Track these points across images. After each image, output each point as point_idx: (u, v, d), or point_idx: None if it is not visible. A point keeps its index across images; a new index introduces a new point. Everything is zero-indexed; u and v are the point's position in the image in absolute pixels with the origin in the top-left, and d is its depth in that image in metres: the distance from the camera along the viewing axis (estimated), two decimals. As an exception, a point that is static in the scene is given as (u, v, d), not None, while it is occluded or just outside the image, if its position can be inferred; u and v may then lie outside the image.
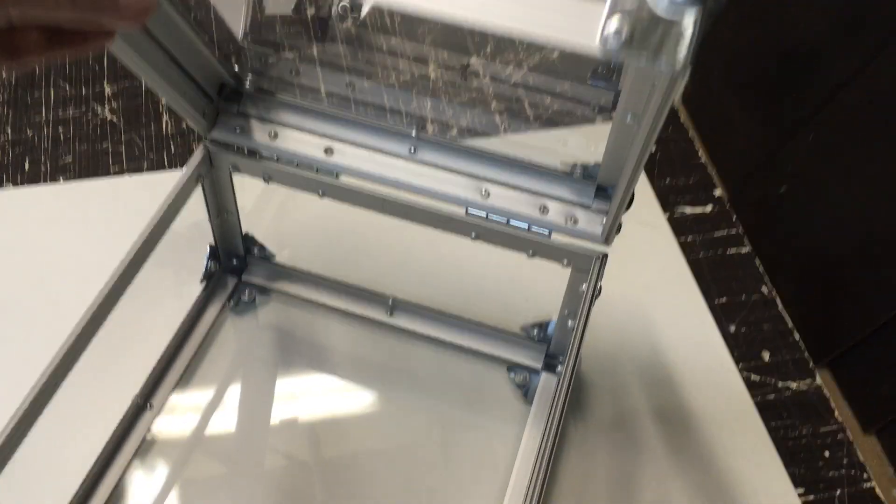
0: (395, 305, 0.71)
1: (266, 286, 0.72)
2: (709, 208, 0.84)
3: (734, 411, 0.70)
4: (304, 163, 0.62)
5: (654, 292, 0.76)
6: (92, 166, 0.82)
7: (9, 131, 0.84)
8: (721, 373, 0.72)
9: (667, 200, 0.84)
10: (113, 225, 0.76)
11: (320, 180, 0.62)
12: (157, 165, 0.82)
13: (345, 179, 0.62)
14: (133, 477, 0.62)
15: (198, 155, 0.62)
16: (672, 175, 0.86)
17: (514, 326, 0.70)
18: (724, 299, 0.77)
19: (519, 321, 0.70)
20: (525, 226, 0.60)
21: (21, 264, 0.73)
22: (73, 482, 0.60)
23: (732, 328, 0.76)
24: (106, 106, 0.87)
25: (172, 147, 0.84)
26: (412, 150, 0.61)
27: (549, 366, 0.69)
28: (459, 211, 0.61)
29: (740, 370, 0.73)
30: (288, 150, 0.62)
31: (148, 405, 0.64)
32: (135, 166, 0.82)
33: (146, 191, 0.78)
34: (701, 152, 0.89)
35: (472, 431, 0.66)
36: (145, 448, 0.63)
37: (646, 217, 0.82)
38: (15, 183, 0.80)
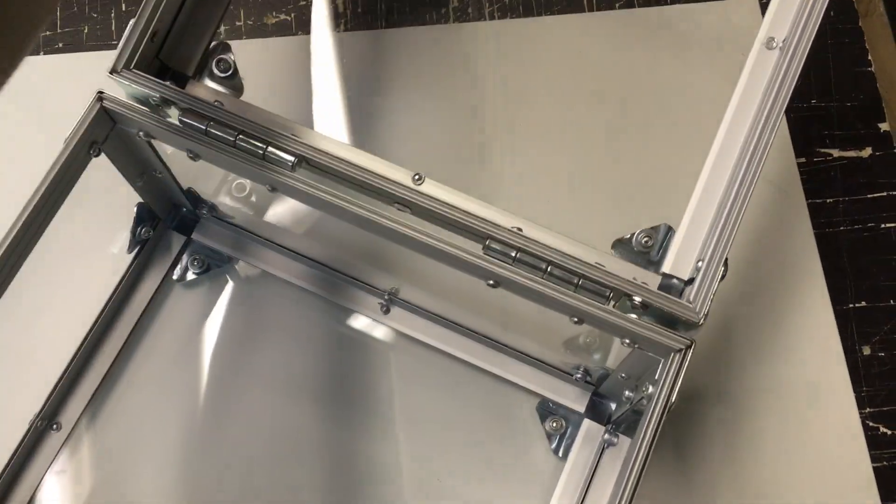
0: (392, 301, 0.51)
1: (223, 252, 0.53)
2: (866, 152, 0.59)
3: (845, 483, 0.51)
4: (252, 135, 0.40)
5: (756, 285, 0.54)
6: None
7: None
8: (836, 418, 0.52)
9: (805, 135, 0.59)
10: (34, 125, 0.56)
11: (268, 172, 0.40)
12: (99, 35, 0.60)
13: (307, 174, 0.40)
14: (36, 516, 0.48)
15: (89, 113, 0.41)
16: (821, 93, 0.60)
17: (551, 352, 0.50)
18: (862, 303, 0.55)
19: (560, 342, 0.50)
20: (573, 279, 0.39)
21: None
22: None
23: (866, 350, 0.54)
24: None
25: (123, 2, 0.61)
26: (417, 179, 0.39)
27: (596, 410, 0.50)
28: (475, 241, 0.39)
29: (864, 418, 0.52)
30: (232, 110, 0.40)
31: (54, 424, 0.49)
32: (71, 32, 0.60)
33: (84, 77, 0.57)
34: (872, 55, 0.61)
35: (476, 482, 0.50)
36: (51, 481, 0.49)
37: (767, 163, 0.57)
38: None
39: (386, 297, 0.51)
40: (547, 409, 0.50)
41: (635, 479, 0.37)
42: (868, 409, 0.53)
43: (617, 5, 0.61)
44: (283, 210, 0.53)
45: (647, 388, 0.39)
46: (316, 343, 0.52)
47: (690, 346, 0.38)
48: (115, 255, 0.52)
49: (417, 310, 0.51)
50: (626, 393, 0.44)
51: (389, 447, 0.50)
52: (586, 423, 0.49)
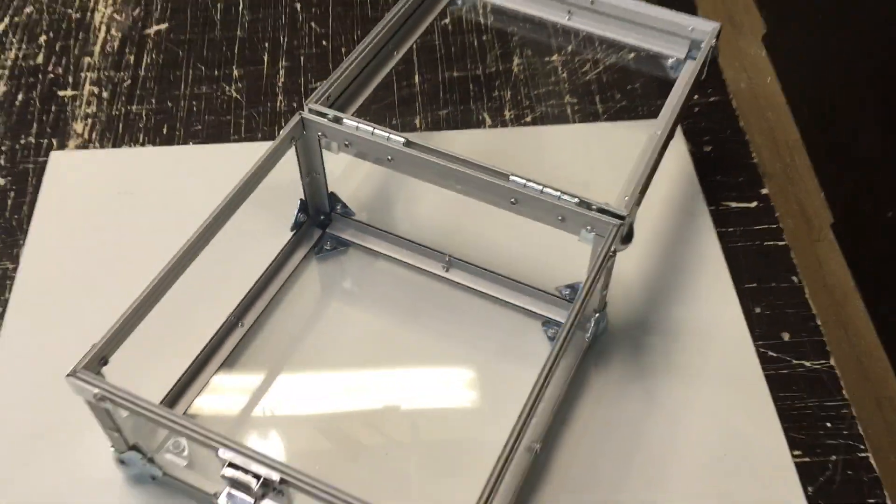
0: (451, 262, 0.82)
1: (346, 239, 0.85)
2: (753, 204, 0.91)
3: (744, 379, 0.77)
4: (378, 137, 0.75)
5: (686, 272, 0.84)
6: (216, 134, 0.98)
7: (153, 102, 1.01)
8: (738, 344, 0.80)
9: (713, 196, 0.92)
10: (229, 180, 0.91)
11: (389, 146, 0.74)
12: (268, 137, 0.97)
13: (410, 151, 0.74)
14: (221, 381, 0.76)
15: (293, 121, 0.76)
16: (722, 173, 0.94)
17: (550, 287, 0.80)
18: (753, 284, 0.85)
19: (556, 283, 0.80)
20: (557, 194, 0.70)
21: (152, 208, 0.89)
22: (170, 380, 0.74)
23: (758, 310, 0.83)
24: (232, 86, 1.02)
25: (283, 122, 0.99)
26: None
27: (579, 323, 0.78)
28: (504, 179, 0.72)
29: (758, 347, 0.80)
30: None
31: (240, 323, 0.78)
32: (250, 136, 0.97)
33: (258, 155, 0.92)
34: (755, 154, 0.96)
35: (503, 372, 0.77)
36: (234, 356, 0.77)
37: (689, 207, 0.90)
38: (153, 143, 0.96)
39: (448, 259, 0.82)
40: (549, 324, 0.79)
41: (577, 309, 0.66)
42: (760, 342, 0.80)
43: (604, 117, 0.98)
44: (384, 210, 0.86)
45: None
46: (401, 293, 0.82)
47: (622, 224, 0.69)
48: (280, 233, 0.84)
49: (468, 266, 0.82)
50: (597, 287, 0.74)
51: (440, 354, 0.78)
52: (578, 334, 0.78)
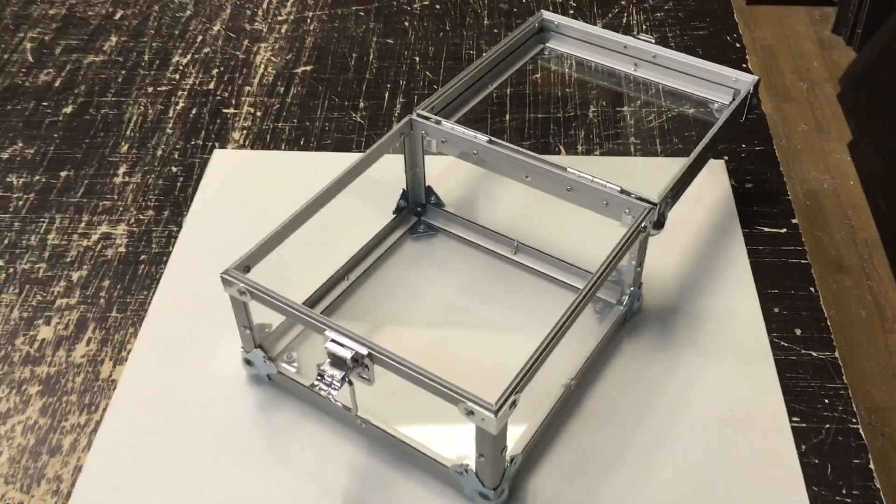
0: (518, 248, 1.01)
1: (436, 225, 1.05)
2: (783, 230, 1.07)
3: (756, 360, 0.92)
4: (468, 136, 0.95)
5: (715, 274, 1.00)
6: (342, 147, 1.21)
7: (295, 121, 1.25)
8: (754, 333, 0.94)
9: (748, 221, 1.08)
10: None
11: (476, 143, 0.95)
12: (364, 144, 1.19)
13: (491, 147, 0.94)
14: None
15: (404, 121, 0.98)
16: (759, 205, 1.10)
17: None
18: (775, 290, 0.99)
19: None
20: (604, 183, 0.89)
21: (287, 194, 1.12)
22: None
23: (776, 310, 0.97)
24: (358, 114, 1.26)
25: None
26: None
27: (621, 301, 0.95)
28: (562, 170, 0.91)
29: (771, 337, 0.94)
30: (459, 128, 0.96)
31: (346, 277, 0.99)
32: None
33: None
34: (790, 194, 1.12)
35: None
36: (337, 303, 0.97)
37: (726, 227, 1.06)
38: (292, 150, 1.20)
39: (516, 244, 1.01)
40: (596, 301, 0.95)
41: (598, 277, 0.83)
42: (774, 334, 0.95)
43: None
44: (468, 204, 1.06)
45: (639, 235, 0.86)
46: (477, 270, 1.01)
47: (651, 210, 0.86)
48: (384, 216, 1.04)
49: (532, 251, 1.00)
50: (636, 267, 0.90)
51: (504, 320, 0.96)
52: (616, 307, 0.94)
